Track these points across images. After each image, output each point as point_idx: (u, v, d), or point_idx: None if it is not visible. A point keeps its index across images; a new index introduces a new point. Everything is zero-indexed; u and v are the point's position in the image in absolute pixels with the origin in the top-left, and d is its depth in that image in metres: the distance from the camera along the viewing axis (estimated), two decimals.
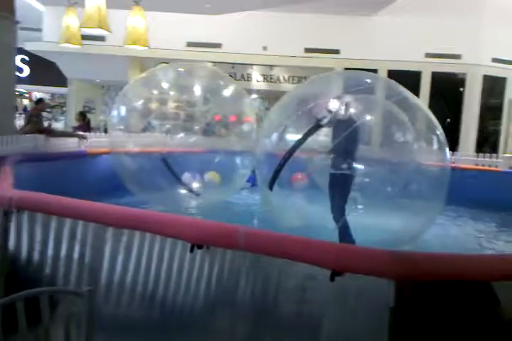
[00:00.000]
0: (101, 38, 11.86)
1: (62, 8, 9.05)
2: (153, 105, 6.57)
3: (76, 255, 2.29)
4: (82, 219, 2.33)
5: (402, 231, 4.33)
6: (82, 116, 11.62)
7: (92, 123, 13.67)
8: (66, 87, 15.24)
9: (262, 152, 5.04)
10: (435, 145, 4.56)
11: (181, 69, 6.89)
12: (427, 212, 4.44)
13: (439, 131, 4.59)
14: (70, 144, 6.48)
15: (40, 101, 9.33)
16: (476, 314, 1.77)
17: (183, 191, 6.10)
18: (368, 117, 4.86)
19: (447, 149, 4.67)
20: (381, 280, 1.70)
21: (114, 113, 6.43)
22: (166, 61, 13.77)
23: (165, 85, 6.64)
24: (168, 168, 5.97)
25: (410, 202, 4.38)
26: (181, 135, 6.48)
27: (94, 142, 7.00)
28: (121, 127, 6.27)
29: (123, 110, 6.36)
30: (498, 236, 5.82)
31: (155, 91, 6.60)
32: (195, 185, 6.16)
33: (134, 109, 6.38)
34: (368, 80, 4.94)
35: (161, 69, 7.23)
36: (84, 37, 9.94)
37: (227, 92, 6.55)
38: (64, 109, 16.21)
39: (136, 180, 5.74)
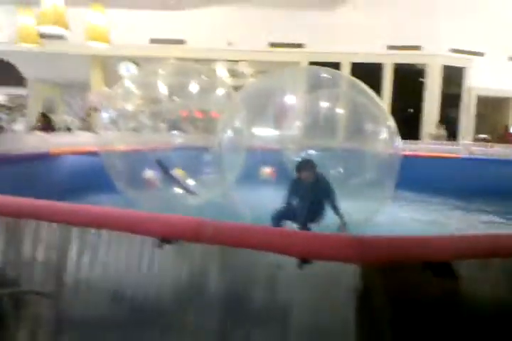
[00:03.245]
0: (61, 37, 11.57)
1: (16, 7, 8.81)
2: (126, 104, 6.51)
3: (40, 256, 2.25)
4: (46, 220, 2.28)
5: (355, 214, 4.59)
6: (44, 117, 11.49)
7: (55, 123, 13.35)
8: (24, 87, 14.82)
9: (221, 146, 5.08)
10: (386, 135, 4.90)
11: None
12: (378, 197, 4.80)
13: (390, 121, 4.97)
14: (31, 144, 6.33)
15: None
16: (439, 294, 1.83)
17: (179, 190, 6.07)
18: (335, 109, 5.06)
19: (398, 138, 4.98)
20: (347, 266, 1.74)
21: (105, 114, 6.52)
22: (129, 59, 13.60)
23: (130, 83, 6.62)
24: (163, 168, 5.93)
25: (363, 188, 4.70)
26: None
27: (57, 142, 6.86)
28: (111, 126, 6.29)
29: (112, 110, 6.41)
30: (463, 221, 6.03)
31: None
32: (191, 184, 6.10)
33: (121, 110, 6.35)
34: (329, 75, 5.08)
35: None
36: (44, 36, 9.71)
37: (194, 88, 6.51)
38: (24, 110, 15.78)
39: (128, 179, 5.76)
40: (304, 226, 4.41)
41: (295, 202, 4.58)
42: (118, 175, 5.82)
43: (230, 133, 5.25)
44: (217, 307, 1.90)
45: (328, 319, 1.75)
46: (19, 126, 14.42)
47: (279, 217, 4.52)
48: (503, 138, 13.70)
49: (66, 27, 7.71)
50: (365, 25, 12.97)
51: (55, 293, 1.57)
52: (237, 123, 5.21)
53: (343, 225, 4.40)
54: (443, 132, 12.92)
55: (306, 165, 4.54)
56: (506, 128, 14.54)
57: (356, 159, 4.95)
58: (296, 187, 4.62)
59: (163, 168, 5.96)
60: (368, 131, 4.93)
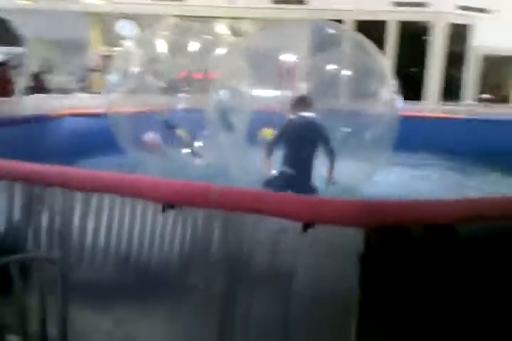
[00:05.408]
0: None
1: None
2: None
3: (45, 222, 2.26)
4: (49, 185, 2.28)
5: (354, 174, 4.61)
6: (36, 77, 11.18)
7: (53, 84, 13.13)
8: (22, 46, 14.46)
9: (214, 107, 5.01)
10: (388, 95, 4.88)
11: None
12: (377, 157, 4.82)
13: (391, 81, 4.91)
14: (27, 107, 6.26)
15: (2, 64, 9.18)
16: (442, 257, 1.85)
17: (185, 151, 6.08)
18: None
19: (398, 99, 4.92)
20: (351, 230, 1.76)
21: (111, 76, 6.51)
22: (127, 16, 13.21)
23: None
24: (171, 129, 5.98)
25: (361, 148, 4.66)
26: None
27: (55, 104, 6.78)
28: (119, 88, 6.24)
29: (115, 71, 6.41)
30: (462, 182, 6.04)
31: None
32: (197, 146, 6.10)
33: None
34: (333, 31, 4.95)
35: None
36: None
37: (194, 47, 6.38)
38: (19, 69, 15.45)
39: (133, 140, 5.82)
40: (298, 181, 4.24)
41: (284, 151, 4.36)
42: (124, 136, 5.86)
43: (225, 93, 5.15)
44: (222, 271, 1.93)
45: (331, 283, 1.78)
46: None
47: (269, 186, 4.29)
48: (506, 98, 13.53)
49: None
50: None
51: (62, 259, 1.60)
52: (235, 84, 5.11)
53: (331, 169, 4.29)
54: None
55: (304, 98, 4.40)
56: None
57: (356, 120, 4.88)
58: (288, 130, 4.38)
59: (171, 128, 5.96)
60: (369, 91, 4.86)
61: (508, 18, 12.55)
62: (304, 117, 4.37)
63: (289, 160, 4.32)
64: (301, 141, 4.30)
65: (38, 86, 10.68)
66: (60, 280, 1.61)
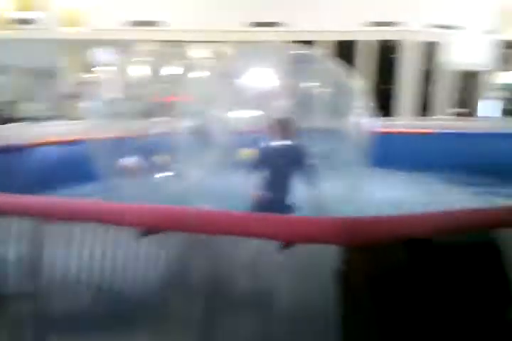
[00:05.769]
0: (32, 22, 11.20)
1: None
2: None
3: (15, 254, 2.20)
4: (20, 215, 2.22)
5: (333, 193, 4.50)
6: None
7: (24, 113, 12.97)
8: None
9: (183, 132, 5.02)
10: (361, 113, 4.91)
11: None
12: (353, 175, 4.79)
13: (363, 99, 4.97)
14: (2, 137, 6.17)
15: None
16: (422, 271, 1.85)
17: (164, 174, 6.04)
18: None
19: (374, 116, 4.99)
20: (330, 248, 1.75)
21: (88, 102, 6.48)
22: (104, 42, 13.28)
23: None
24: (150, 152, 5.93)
25: (339, 166, 4.65)
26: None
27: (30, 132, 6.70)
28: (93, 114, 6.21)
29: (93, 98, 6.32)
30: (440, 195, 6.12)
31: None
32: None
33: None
34: (303, 54, 5.06)
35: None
36: (16, 21, 9.39)
37: (170, 72, 6.44)
38: None
39: (113, 164, 5.69)
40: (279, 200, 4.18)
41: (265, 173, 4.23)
42: (102, 161, 5.80)
43: (199, 116, 5.17)
44: (202, 295, 1.90)
45: (312, 302, 1.76)
46: None
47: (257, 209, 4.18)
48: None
49: (39, 11, 7.46)
50: (343, 3, 12.89)
51: (35, 292, 1.55)
52: (207, 107, 5.14)
53: (315, 197, 4.17)
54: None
55: (286, 121, 4.24)
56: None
57: (331, 138, 4.93)
58: (268, 153, 4.24)
59: (150, 151, 5.95)
60: (342, 109, 4.92)
61: (473, 34, 12.99)
62: (287, 145, 4.26)
63: (268, 183, 4.30)
64: (282, 167, 4.24)
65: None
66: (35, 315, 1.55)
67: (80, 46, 13.43)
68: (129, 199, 4.53)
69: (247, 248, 1.87)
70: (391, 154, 6.80)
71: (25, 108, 13.87)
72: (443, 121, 9.56)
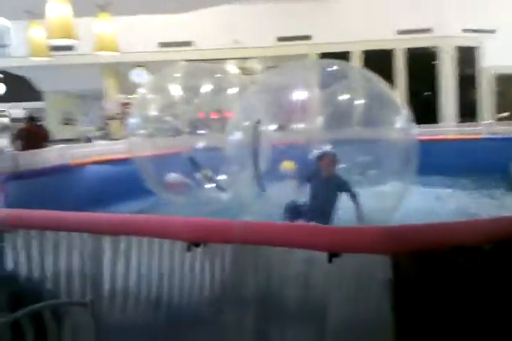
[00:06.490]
0: (70, 48, 11.72)
1: (27, 22, 8.95)
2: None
3: (76, 267, 2.30)
4: (78, 231, 2.33)
5: (378, 204, 4.51)
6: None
7: (74, 134, 13.52)
8: (41, 101, 15.05)
9: (231, 147, 5.08)
10: (401, 123, 4.86)
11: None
12: (399, 185, 4.73)
13: (404, 108, 4.95)
14: (51, 158, 6.43)
15: (31, 119, 9.37)
16: (473, 279, 1.81)
17: (209, 186, 6.19)
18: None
19: (413, 125, 4.94)
20: (378, 257, 1.74)
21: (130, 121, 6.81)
22: (139, 64, 13.73)
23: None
24: (196, 166, 6.13)
25: (383, 177, 4.61)
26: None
27: (77, 153, 6.97)
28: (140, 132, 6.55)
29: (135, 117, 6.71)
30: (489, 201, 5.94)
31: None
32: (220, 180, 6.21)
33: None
34: (338, 67, 5.06)
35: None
36: (54, 48, 9.86)
37: (208, 88, 6.57)
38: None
39: (160, 180, 6.04)
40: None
41: (308, 199, 4.52)
42: (149, 178, 6.03)
43: (238, 132, 5.24)
44: (253, 307, 1.92)
45: (364, 312, 1.75)
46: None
47: (290, 210, 4.46)
48: None
49: (75, 38, 7.81)
50: (372, 12, 12.82)
51: (94, 302, 1.62)
52: (247, 122, 5.20)
53: (361, 218, 4.31)
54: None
55: (329, 155, 4.47)
56: None
57: (373, 149, 4.89)
58: (313, 181, 4.57)
59: (196, 165, 6.11)
60: (383, 119, 4.89)
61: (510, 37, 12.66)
62: (329, 178, 4.48)
63: (312, 205, 4.47)
64: (324, 195, 4.47)
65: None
66: (93, 325, 1.62)
67: (119, 69, 13.92)
68: (175, 213, 4.65)
69: (294, 259, 1.88)
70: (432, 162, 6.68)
71: (72, 129, 14.47)
72: (487, 127, 9.29)
